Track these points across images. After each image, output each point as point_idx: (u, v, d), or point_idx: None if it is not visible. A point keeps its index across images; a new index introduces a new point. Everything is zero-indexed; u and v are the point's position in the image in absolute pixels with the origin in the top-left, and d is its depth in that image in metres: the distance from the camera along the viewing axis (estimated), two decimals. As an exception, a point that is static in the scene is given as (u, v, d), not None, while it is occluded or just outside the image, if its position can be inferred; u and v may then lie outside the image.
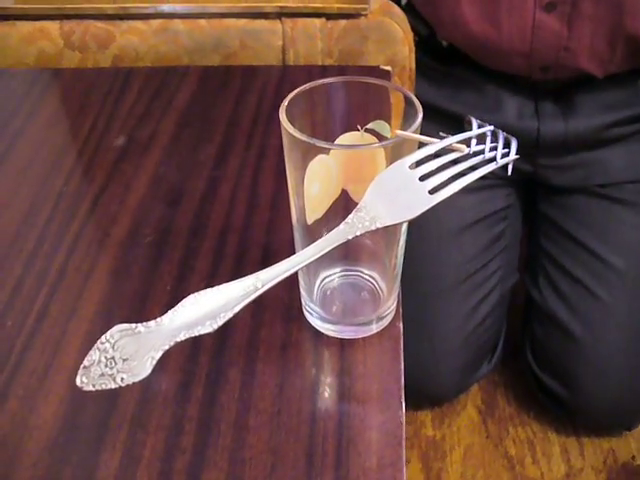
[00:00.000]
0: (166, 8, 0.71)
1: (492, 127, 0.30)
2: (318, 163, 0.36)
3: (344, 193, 0.37)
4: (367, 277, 0.40)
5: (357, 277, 0.40)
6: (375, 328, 0.40)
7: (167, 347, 0.26)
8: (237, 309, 0.27)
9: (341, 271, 0.40)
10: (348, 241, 0.38)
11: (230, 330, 0.40)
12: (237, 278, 0.28)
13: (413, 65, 0.72)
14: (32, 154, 0.56)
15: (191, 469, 0.34)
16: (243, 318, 0.40)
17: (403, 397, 0.36)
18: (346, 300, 0.40)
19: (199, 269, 0.44)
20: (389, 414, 0.35)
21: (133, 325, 0.27)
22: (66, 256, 0.45)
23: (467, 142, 0.30)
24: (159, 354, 0.26)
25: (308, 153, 0.34)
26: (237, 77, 0.65)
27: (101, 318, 0.41)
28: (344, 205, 0.36)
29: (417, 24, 0.89)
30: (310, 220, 0.37)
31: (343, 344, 0.39)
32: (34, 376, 0.38)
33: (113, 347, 0.26)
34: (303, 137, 0.32)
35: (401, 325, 0.40)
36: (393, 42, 0.70)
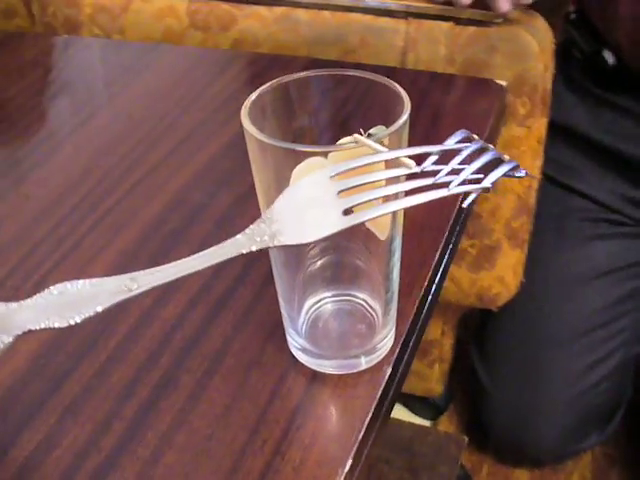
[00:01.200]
0: (292, -4, 0.69)
1: (480, 143, 0.24)
2: (316, 165, 0.31)
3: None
4: (359, 302, 0.35)
5: (348, 302, 0.35)
6: (364, 364, 0.34)
7: (18, 333, 0.24)
8: (100, 309, 0.23)
9: (331, 295, 0.35)
10: (340, 262, 0.34)
11: (204, 336, 0.37)
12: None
13: (548, 86, 0.64)
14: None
15: (98, 470, 0.31)
16: (222, 326, 0.37)
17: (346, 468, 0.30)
18: (333, 328, 0.35)
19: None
20: None
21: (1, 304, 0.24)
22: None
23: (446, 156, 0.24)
24: (10, 340, 0.24)
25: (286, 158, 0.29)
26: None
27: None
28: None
29: (583, 40, 0.80)
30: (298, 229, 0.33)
31: (315, 376, 0.34)
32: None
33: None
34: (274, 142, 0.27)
35: (389, 370, 0.34)
36: (525, 57, 0.62)
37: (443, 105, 0.54)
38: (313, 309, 0.35)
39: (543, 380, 0.80)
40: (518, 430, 0.82)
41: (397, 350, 0.35)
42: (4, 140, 0.56)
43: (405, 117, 0.27)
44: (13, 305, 0.24)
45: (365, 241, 0.33)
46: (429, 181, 0.23)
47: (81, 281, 0.24)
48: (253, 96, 0.29)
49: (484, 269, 0.75)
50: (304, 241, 0.24)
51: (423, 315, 0.38)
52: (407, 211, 0.28)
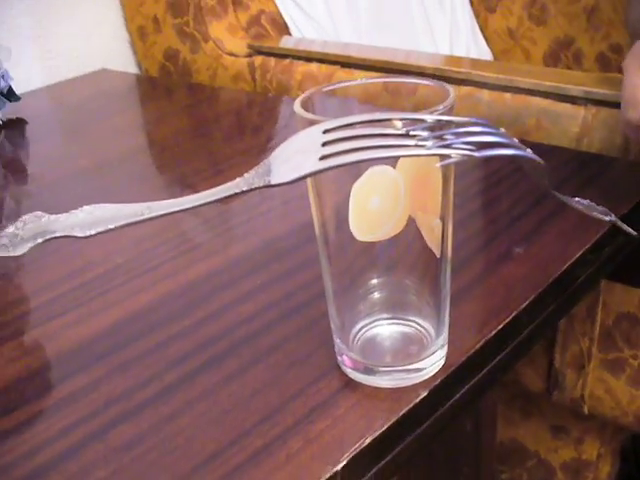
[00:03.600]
0: (478, 77, 0.71)
1: (492, 128, 0.24)
2: (381, 174, 0.32)
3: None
4: (411, 323, 0.34)
5: (400, 323, 0.35)
6: (401, 381, 0.33)
7: (46, 238, 0.27)
8: (113, 226, 0.26)
9: (385, 317, 0.35)
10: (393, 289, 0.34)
11: (266, 332, 0.38)
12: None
13: None
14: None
15: (120, 415, 0.33)
16: (286, 330, 0.38)
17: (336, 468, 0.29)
18: (382, 342, 0.35)
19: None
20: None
21: (45, 215, 0.28)
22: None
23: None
24: (38, 242, 0.27)
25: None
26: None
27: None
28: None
29: None
30: (361, 237, 0.33)
31: (348, 383, 0.34)
32: None
33: (23, 227, 0.28)
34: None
35: (423, 394, 0.33)
36: None
37: (584, 181, 0.52)
38: (366, 327, 0.35)
39: None
40: None
41: (440, 379, 0.34)
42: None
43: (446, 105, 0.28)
44: (52, 217, 0.28)
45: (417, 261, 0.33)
46: (412, 141, 0.23)
47: (105, 205, 0.27)
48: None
49: (646, 386, 0.68)
50: (282, 181, 0.25)
51: (487, 358, 0.36)
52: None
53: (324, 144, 0.24)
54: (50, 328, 0.40)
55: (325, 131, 0.25)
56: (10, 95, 0.80)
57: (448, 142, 0.23)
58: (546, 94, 0.66)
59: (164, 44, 0.95)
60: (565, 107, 0.65)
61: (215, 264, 0.45)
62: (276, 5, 0.96)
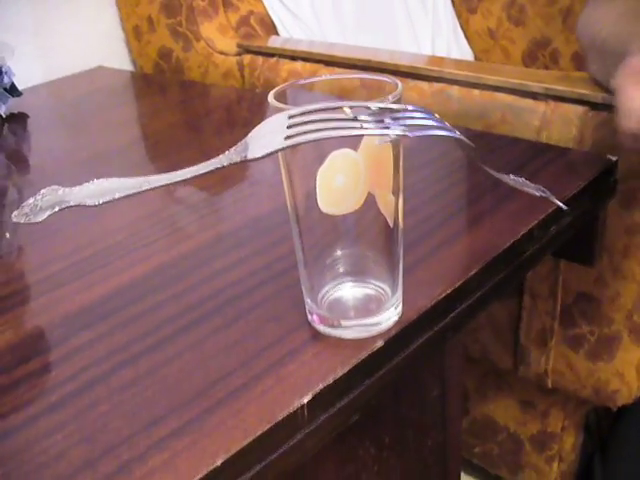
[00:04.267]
0: (449, 75, 0.76)
1: (428, 114, 0.30)
2: (343, 156, 0.38)
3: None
4: (372, 284, 0.40)
5: (362, 284, 0.40)
6: (363, 333, 0.39)
7: (62, 207, 0.33)
8: (118, 196, 0.32)
9: (350, 280, 0.41)
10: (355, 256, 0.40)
11: (248, 295, 0.44)
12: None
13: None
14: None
15: (119, 365, 0.39)
16: (265, 292, 0.44)
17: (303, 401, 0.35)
18: (346, 301, 0.41)
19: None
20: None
21: (60, 188, 0.34)
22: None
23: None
24: (55, 210, 0.33)
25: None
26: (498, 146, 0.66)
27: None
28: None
29: None
30: (327, 210, 0.39)
31: (317, 336, 0.40)
32: None
33: (42, 199, 0.34)
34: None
35: (380, 344, 0.39)
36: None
37: (538, 167, 0.58)
38: (332, 289, 0.41)
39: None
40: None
41: (395, 331, 0.39)
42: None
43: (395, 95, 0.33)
44: (67, 189, 0.33)
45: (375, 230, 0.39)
46: (357, 124, 0.29)
47: (111, 178, 0.33)
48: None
49: (602, 360, 0.74)
50: (253, 156, 0.30)
51: (439, 317, 0.42)
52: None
53: (289, 127, 0.30)
54: (59, 294, 0.46)
55: (290, 116, 0.31)
56: (13, 90, 0.86)
57: (387, 124, 0.29)
58: (511, 90, 0.72)
59: (158, 43, 1.01)
60: (527, 102, 0.71)
61: (204, 239, 0.51)
62: (264, 6, 1.01)
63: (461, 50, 1.26)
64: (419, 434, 0.64)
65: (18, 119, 0.85)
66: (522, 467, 0.92)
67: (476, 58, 1.27)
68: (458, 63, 0.93)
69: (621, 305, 0.71)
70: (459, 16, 1.29)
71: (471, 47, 1.28)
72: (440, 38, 1.25)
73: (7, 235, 0.57)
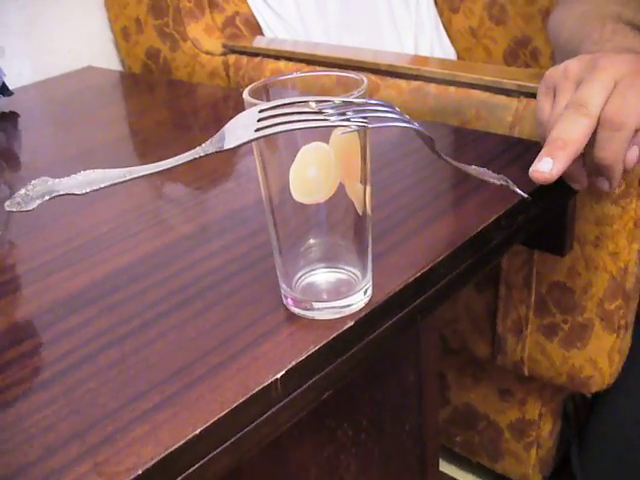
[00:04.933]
0: (427, 73, 0.79)
1: (389, 108, 0.32)
2: (315, 149, 0.41)
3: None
4: (342, 270, 0.43)
5: (333, 271, 0.43)
6: (335, 314, 0.41)
7: (52, 195, 0.35)
8: (103, 185, 0.34)
9: (322, 266, 0.43)
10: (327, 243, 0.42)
11: (226, 282, 0.46)
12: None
13: None
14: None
15: (110, 343, 0.41)
16: (243, 278, 0.46)
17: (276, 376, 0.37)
18: (319, 285, 0.43)
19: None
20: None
21: (50, 179, 0.36)
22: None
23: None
24: (45, 199, 0.35)
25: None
26: (471, 140, 0.69)
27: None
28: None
29: None
30: (301, 199, 0.42)
31: (291, 317, 0.42)
32: None
33: (32, 189, 0.36)
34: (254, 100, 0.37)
35: (350, 324, 0.41)
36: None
37: (509, 160, 0.61)
38: (306, 274, 0.43)
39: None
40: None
41: (365, 312, 0.42)
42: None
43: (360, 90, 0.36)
44: (56, 180, 0.36)
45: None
46: (321, 117, 0.31)
47: (97, 170, 0.35)
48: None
49: (575, 347, 0.77)
50: (228, 146, 0.33)
51: (408, 300, 0.45)
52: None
53: (259, 120, 0.33)
54: (49, 281, 0.48)
55: (260, 111, 0.33)
56: (4, 90, 0.88)
57: (348, 116, 0.32)
58: (485, 87, 0.75)
59: (146, 43, 1.03)
60: (501, 99, 0.73)
61: (187, 230, 0.53)
62: (249, 7, 1.04)
63: (443, 49, 1.29)
64: (396, 418, 0.66)
65: (9, 118, 0.87)
66: (502, 454, 0.95)
67: (458, 57, 1.30)
68: (435, 61, 0.95)
69: (593, 294, 0.73)
70: (441, 15, 1.31)
71: (453, 46, 1.31)
72: (423, 37, 1.27)
73: (-1, 232, 0.60)
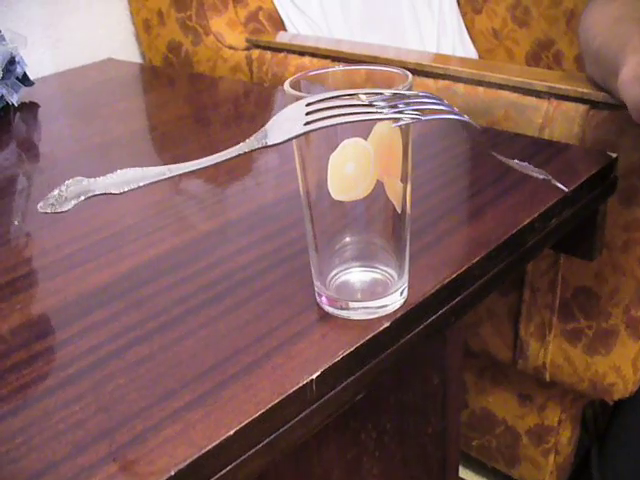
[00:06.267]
0: (453, 72, 0.78)
1: (436, 99, 0.31)
2: (354, 145, 0.39)
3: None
4: (379, 269, 0.42)
5: (369, 271, 0.42)
6: (370, 315, 0.40)
7: (88, 195, 0.34)
8: (142, 184, 0.33)
9: (357, 265, 0.42)
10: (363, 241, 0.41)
11: (260, 278, 0.45)
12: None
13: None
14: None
15: (136, 338, 0.40)
16: (276, 274, 0.45)
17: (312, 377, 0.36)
18: (354, 284, 0.42)
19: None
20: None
21: (84, 179, 0.35)
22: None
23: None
24: (81, 199, 0.34)
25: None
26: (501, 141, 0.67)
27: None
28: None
29: None
30: (338, 197, 0.40)
31: (325, 316, 0.41)
32: None
33: (66, 190, 0.35)
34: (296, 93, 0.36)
35: (386, 324, 0.40)
36: (654, 142, 0.65)
37: (540, 162, 0.59)
38: (341, 273, 0.42)
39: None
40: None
41: (400, 314, 0.41)
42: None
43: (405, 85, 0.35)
44: (92, 180, 0.35)
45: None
46: (373, 109, 0.30)
47: (134, 168, 0.34)
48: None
49: (599, 354, 0.75)
50: (274, 142, 0.32)
51: (442, 302, 0.44)
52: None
53: (307, 113, 0.31)
54: (74, 274, 0.47)
55: (308, 104, 0.32)
56: (24, 80, 0.87)
57: (400, 109, 0.30)
58: (514, 88, 0.74)
59: (168, 36, 1.02)
60: (530, 100, 0.72)
61: (215, 224, 0.52)
62: (273, 2, 1.03)
63: (465, 50, 1.28)
64: (419, 421, 0.65)
65: (29, 108, 0.86)
66: (519, 460, 0.94)
67: (480, 58, 1.29)
68: (463, 61, 0.94)
69: (619, 300, 0.72)
70: (464, 16, 1.30)
71: (475, 47, 1.30)
72: (445, 37, 1.26)
73: (16, 222, 0.59)
